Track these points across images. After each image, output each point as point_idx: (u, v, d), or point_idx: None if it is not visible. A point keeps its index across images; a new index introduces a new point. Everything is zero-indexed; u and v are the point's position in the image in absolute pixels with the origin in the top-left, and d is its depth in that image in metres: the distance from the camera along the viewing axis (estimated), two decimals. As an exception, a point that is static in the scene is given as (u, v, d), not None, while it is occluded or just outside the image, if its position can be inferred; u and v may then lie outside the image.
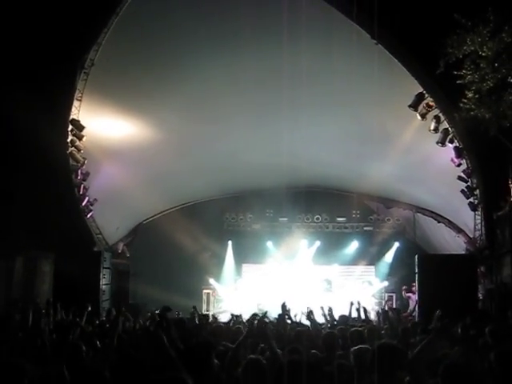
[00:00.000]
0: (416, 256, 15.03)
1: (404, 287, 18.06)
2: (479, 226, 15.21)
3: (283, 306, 8.26)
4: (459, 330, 7.11)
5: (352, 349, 4.77)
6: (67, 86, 13.59)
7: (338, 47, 12.31)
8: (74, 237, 15.36)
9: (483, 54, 8.57)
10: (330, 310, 9.72)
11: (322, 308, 10.07)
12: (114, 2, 11.95)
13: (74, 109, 14.14)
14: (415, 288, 16.22)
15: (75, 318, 8.24)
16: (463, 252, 16.65)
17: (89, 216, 16.43)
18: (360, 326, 7.44)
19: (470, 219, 15.63)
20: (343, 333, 7.00)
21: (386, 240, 20.83)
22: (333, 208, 20.92)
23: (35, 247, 14.62)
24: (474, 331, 7.19)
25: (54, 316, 8.50)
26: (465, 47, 8.57)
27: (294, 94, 13.17)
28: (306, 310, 9.25)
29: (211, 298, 19.76)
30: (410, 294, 17.20)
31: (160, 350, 4.34)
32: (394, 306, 17.74)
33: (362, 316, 9.90)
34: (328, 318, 9.70)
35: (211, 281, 20.24)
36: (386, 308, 17.58)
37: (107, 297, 15.23)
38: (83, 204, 15.84)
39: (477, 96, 9.03)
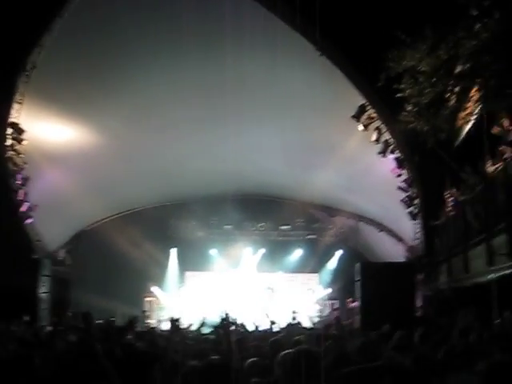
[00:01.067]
0: (357, 264, 15.35)
1: (349, 299, 18.32)
2: (418, 234, 15.65)
3: (226, 315, 8.29)
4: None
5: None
6: (7, 89, 13.22)
7: (282, 56, 12.43)
8: (13, 243, 14.91)
9: (422, 69, 8.86)
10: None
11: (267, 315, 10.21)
12: (58, 5, 11.72)
13: (14, 112, 13.76)
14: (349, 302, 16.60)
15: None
16: (403, 260, 17.10)
17: (28, 222, 15.98)
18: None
19: (409, 228, 16.08)
20: (288, 340, 7.07)
21: (330, 248, 21.20)
22: (277, 216, 21.10)
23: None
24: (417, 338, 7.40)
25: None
26: (404, 62, 8.81)
27: (238, 102, 13.26)
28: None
29: (154, 306, 19.56)
30: (356, 304, 17.46)
31: (92, 358, 4.25)
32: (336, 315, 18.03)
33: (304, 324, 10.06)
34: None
35: (153, 288, 20.05)
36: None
37: (46, 305, 14.87)
38: (23, 209, 15.40)
39: (416, 109, 9.31)
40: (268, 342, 6.31)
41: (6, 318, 9.92)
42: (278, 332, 9.14)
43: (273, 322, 10.03)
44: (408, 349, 5.92)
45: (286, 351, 4.25)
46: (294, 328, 10.01)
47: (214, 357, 4.51)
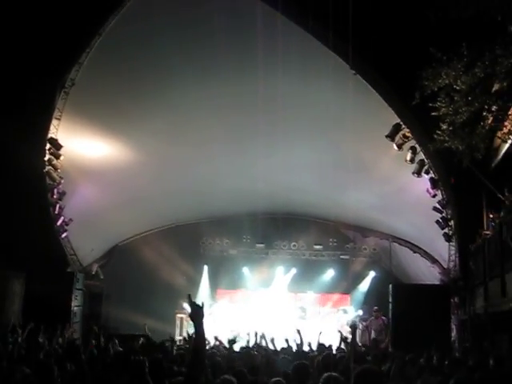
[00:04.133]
0: (390, 285, 15.11)
1: (375, 308, 17.94)
2: (453, 256, 15.33)
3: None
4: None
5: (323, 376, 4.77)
6: (46, 105, 13.54)
7: (315, 74, 12.46)
8: (47, 257, 15.14)
9: (457, 88, 8.74)
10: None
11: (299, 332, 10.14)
12: (96, 24, 12.01)
13: (52, 127, 14.08)
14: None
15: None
16: (437, 282, 16.75)
17: (63, 236, 16.22)
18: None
19: (444, 250, 15.75)
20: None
21: (362, 269, 20.96)
22: (310, 235, 20.94)
23: (6, 266, 14.37)
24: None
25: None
26: (440, 80, 8.71)
27: (271, 121, 13.29)
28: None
29: (184, 323, 19.53)
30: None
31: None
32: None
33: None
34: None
35: (185, 305, 20.05)
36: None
37: (78, 319, 15.03)
38: (58, 223, 15.65)
39: (451, 128, 9.17)
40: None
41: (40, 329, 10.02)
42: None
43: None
44: (439, 372, 5.78)
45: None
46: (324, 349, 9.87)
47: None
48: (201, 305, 3.87)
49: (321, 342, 10.80)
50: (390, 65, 11.13)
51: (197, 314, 3.86)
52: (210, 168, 16.95)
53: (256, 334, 9.89)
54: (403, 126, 13.08)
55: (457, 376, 4.74)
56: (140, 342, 11.96)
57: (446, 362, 7.48)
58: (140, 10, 11.73)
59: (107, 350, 8.28)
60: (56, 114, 13.87)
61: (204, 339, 4.18)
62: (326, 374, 4.75)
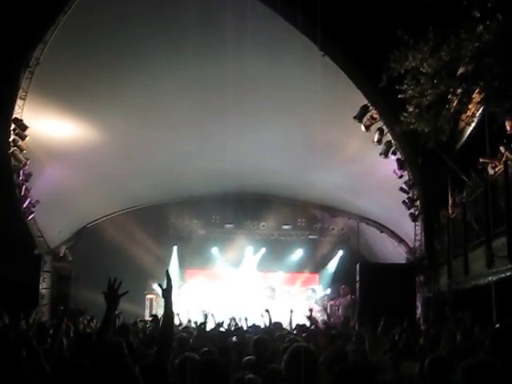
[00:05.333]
0: (357, 264, 15.36)
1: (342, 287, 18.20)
2: (419, 236, 15.66)
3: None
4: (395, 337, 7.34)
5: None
6: (10, 84, 13.25)
7: (284, 55, 12.48)
8: (14, 239, 14.94)
9: (423, 71, 8.86)
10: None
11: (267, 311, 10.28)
12: (61, 1, 11.75)
13: (17, 108, 13.80)
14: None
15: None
16: (404, 261, 17.10)
17: (30, 218, 16.02)
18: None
19: (410, 229, 16.08)
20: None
21: (330, 248, 21.20)
22: (278, 215, 21.07)
23: (-28, 249, 14.16)
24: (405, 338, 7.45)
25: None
26: (406, 63, 8.82)
27: (240, 101, 13.29)
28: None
29: (154, 304, 19.57)
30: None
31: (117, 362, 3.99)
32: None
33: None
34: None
35: (155, 286, 20.05)
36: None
37: (46, 301, 14.93)
38: (24, 205, 15.44)
39: (417, 110, 9.31)
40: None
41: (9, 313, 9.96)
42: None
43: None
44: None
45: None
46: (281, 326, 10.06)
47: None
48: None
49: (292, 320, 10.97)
50: (358, 47, 11.21)
51: (169, 292, 4.01)
52: (178, 149, 16.88)
53: (232, 318, 10.00)
54: (371, 108, 13.21)
55: (432, 356, 4.86)
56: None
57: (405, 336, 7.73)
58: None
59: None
60: (21, 93, 13.59)
61: (172, 319, 4.24)
62: (294, 345, 4.85)
